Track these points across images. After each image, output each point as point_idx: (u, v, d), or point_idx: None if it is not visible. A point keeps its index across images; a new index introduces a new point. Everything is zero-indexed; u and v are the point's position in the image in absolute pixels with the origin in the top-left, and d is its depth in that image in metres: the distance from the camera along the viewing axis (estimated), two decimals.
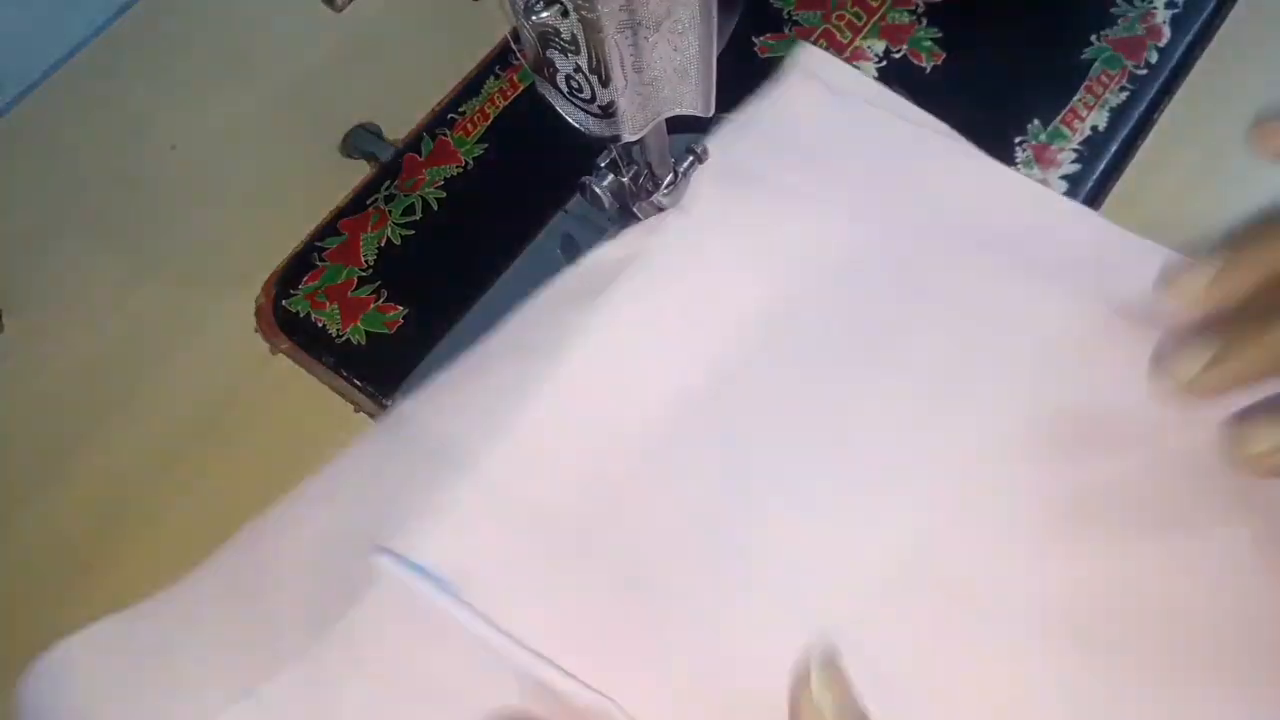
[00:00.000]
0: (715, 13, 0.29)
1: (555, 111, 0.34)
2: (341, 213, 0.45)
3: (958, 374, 0.36)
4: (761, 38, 0.46)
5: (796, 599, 0.32)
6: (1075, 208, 0.39)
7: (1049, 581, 0.32)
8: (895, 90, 0.42)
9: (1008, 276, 0.37)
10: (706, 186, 0.39)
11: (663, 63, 0.30)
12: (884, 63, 0.45)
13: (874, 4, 0.47)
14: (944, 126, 0.41)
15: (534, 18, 0.28)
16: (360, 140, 0.48)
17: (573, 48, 0.29)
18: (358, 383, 0.41)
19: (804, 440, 0.35)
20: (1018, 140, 0.42)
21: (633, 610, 0.33)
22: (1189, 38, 0.44)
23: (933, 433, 0.35)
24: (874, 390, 0.36)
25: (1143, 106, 0.43)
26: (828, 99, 0.41)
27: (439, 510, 0.34)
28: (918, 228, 0.38)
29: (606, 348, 0.36)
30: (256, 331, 0.44)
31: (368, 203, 0.45)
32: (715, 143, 0.39)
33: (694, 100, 0.32)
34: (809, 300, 0.37)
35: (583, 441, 0.35)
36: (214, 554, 0.34)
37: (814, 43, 0.46)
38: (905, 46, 0.45)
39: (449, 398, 0.37)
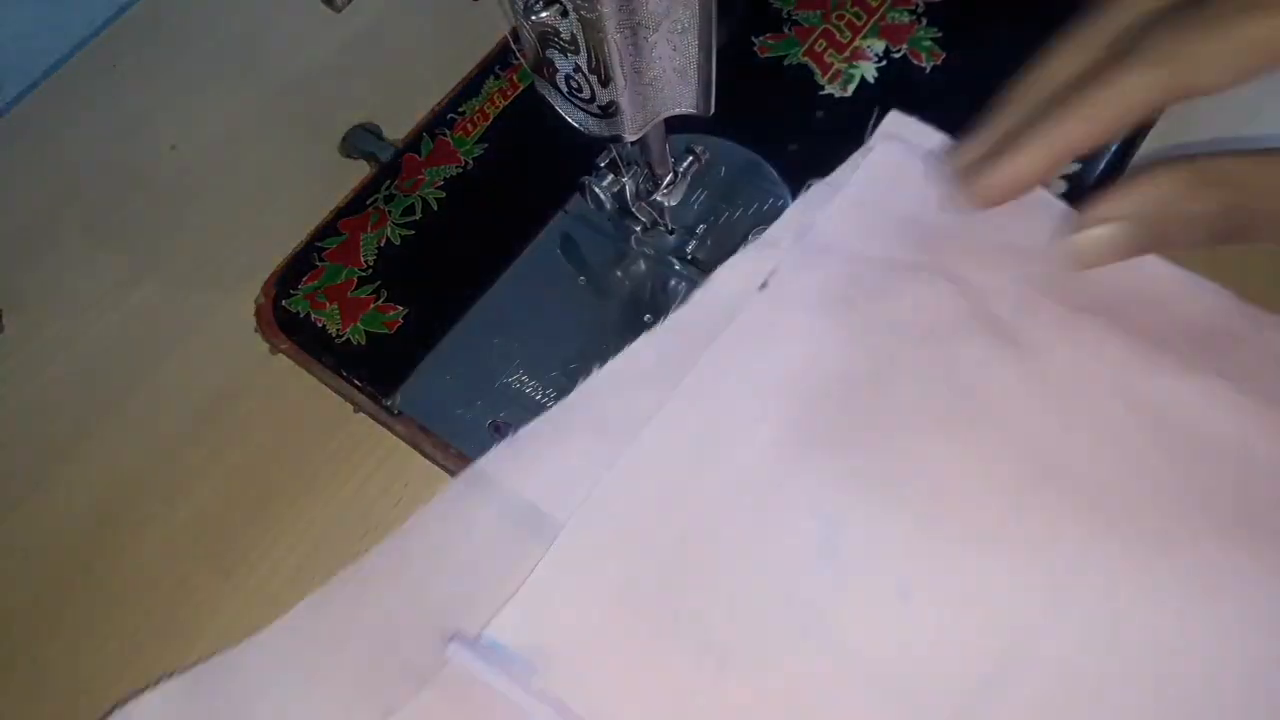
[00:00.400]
0: (715, 13, 0.29)
1: (555, 111, 0.34)
2: (341, 213, 0.45)
3: (1057, 445, 0.34)
4: (761, 38, 0.46)
5: (893, 688, 0.31)
6: (1183, 274, 0.36)
7: (1156, 678, 0.30)
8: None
9: (1110, 343, 0.35)
10: (788, 260, 0.38)
11: (662, 63, 0.30)
12: (884, 62, 0.45)
13: (874, 4, 0.47)
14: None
15: (534, 18, 0.28)
16: (360, 140, 0.48)
17: (572, 48, 0.29)
18: (357, 383, 0.41)
19: (897, 512, 0.33)
20: None
21: (720, 691, 0.32)
22: None
23: (1031, 510, 0.33)
24: (971, 460, 0.34)
25: None
26: (915, 163, 0.39)
27: (517, 585, 0.33)
28: (1013, 289, 0.37)
29: (689, 423, 0.36)
30: (256, 331, 0.44)
31: (367, 203, 0.45)
32: (797, 210, 0.38)
33: (694, 100, 0.32)
34: (899, 368, 0.36)
35: (666, 516, 0.34)
36: (279, 620, 0.34)
37: (813, 42, 0.46)
38: (905, 46, 0.45)
39: (530, 464, 0.36)
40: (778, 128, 0.44)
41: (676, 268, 0.42)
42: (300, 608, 0.34)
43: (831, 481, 0.34)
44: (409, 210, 0.45)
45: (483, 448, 0.38)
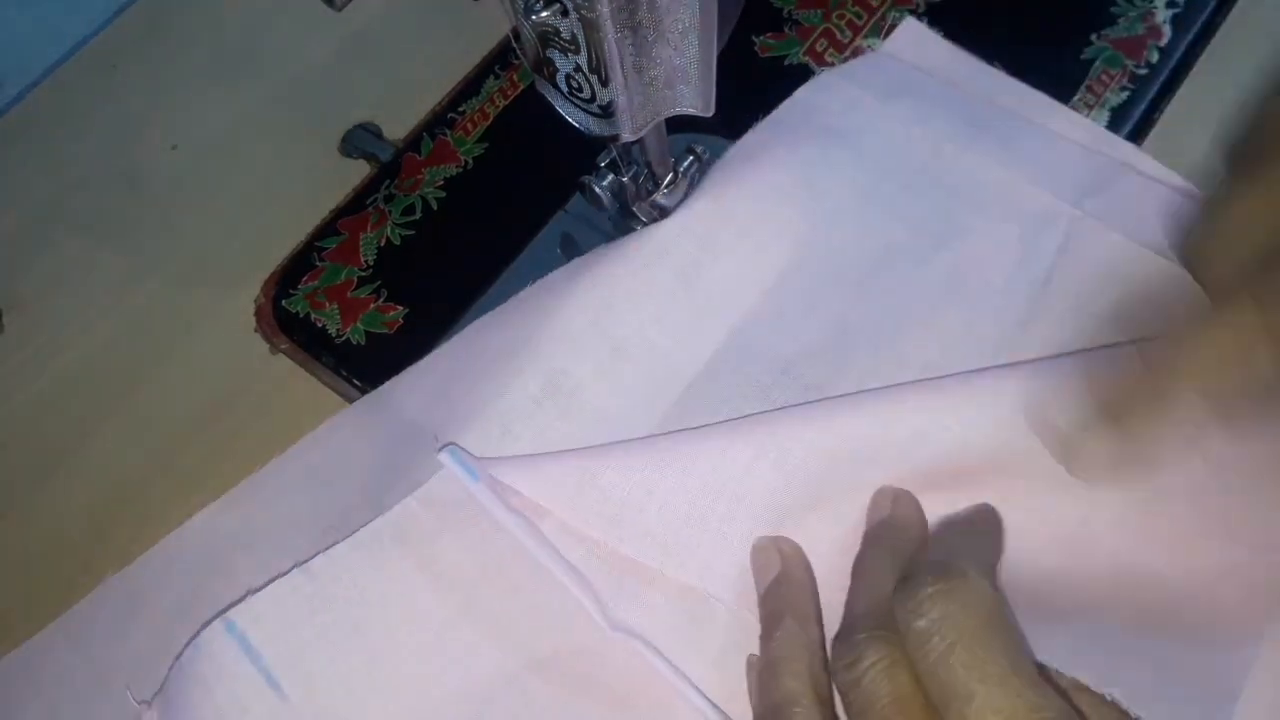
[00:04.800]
0: (715, 13, 0.29)
1: (555, 111, 0.34)
2: (341, 212, 0.45)
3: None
4: (761, 38, 0.46)
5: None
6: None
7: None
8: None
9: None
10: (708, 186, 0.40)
11: (662, 63, 0.30)
12: None
13: (874, 4, 0.47)
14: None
15: (534, 17, 0.28)
16: (360, 140, 0.48)
17: (573, 47, 0.29)
18: (357, 383, 0.41)
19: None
20: None
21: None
22: (1189, 37, 0.44)
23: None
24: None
25: (1143, 106, 0.43)
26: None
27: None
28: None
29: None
30: (256, 331, 0.43)
31: (367, 202, 0.45)
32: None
33: (694, 100, 0.32)
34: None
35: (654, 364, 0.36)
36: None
37: (814, 42, 0.46)
38: None
39: (427, 380, 0.37)
40: None
41: None
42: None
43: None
44: (409, 210, 0.45)
45: None
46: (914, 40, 0.44)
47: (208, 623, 0.32)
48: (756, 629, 0.30)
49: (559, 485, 0.33)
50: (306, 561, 0.32)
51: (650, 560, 0.32)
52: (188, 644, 0.32)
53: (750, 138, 0.41)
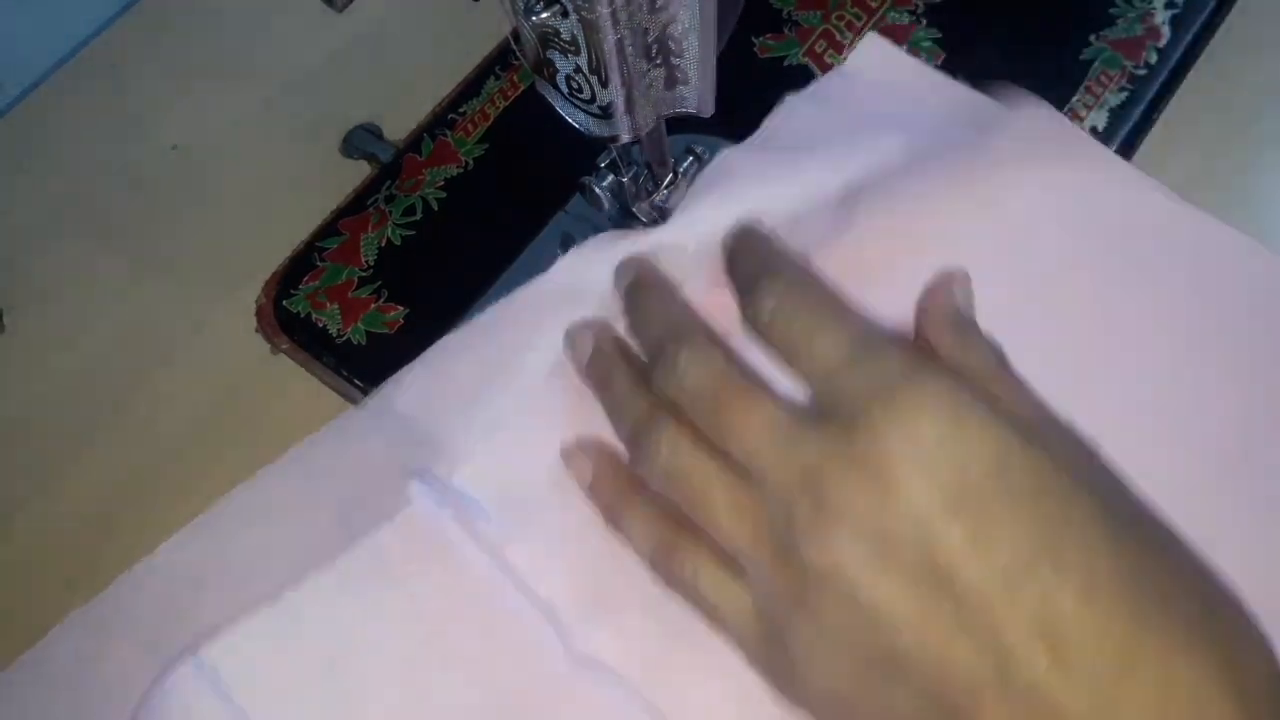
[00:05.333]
0: (715, 13, 0.29)
1: (555, 112, 0.34)
2: (341, 213, 0.45)
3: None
4: (761, 38, 0.47)
5: None
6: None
7: None
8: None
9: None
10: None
11: (662, 64, 0.30)
12: None
13: (873, 4, 0.47)
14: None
15: (534, 18, 0.28)
16: (360, 140, 0.48)
17: (572, 48, 0.29)
18: (358, 383, 0.41)
19: None
20: None
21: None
22: (1188, 38, 0.44)
23: None
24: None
25: (1142, 107, 0.43)
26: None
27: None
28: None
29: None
30: (257, 331, 0.44)
31: (368, 203, 0.45)
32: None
33: (694, 100, 0.32)
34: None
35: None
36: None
37: (813, 43, 0.46)
38: (905, 47, 0.45)
39: (423, 383, 0.37)
40: None
41: None
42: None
43: None
44: (409, 210, 0.45)
45: None
46: (877, 57, 0.43)
47: (176, 659, 0.31)
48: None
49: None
50: (278, 595, 0.32)
51: None
52: (156, 681, 0.31)
53: (728, 158, 0.39)
